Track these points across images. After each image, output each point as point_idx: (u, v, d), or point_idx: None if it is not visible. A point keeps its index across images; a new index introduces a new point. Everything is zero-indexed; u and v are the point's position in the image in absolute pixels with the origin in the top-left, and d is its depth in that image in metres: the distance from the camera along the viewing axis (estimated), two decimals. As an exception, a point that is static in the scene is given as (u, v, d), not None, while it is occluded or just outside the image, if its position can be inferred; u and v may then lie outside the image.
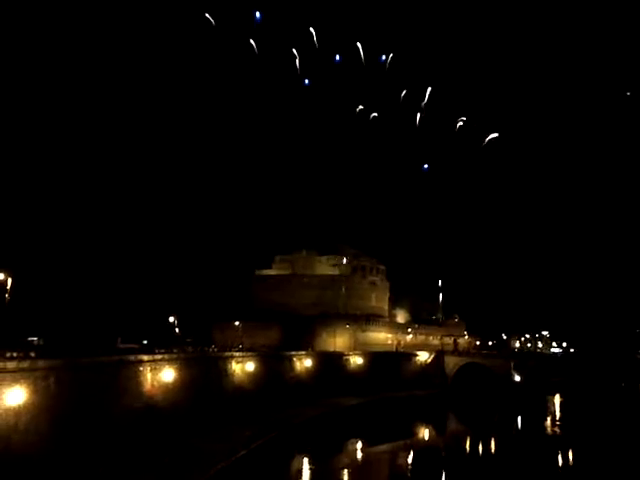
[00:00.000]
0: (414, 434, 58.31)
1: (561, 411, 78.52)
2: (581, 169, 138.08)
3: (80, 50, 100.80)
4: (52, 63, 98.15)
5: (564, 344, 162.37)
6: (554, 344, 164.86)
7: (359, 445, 48.81)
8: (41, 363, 31.17)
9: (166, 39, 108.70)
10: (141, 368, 40.86)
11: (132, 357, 41.24)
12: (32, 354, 33.73)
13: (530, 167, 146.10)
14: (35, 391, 29.75)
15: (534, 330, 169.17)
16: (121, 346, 54.46)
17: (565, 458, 46.93)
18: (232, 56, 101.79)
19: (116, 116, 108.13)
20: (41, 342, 50.74)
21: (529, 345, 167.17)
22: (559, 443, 52.92)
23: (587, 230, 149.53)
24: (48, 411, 30.36)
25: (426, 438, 58.11)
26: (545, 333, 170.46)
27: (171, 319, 71.89)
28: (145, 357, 42.38)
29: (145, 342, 65.95)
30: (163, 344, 58.60)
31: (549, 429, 62.56)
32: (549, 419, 69.42)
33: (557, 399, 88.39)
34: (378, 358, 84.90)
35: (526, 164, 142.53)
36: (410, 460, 46.05)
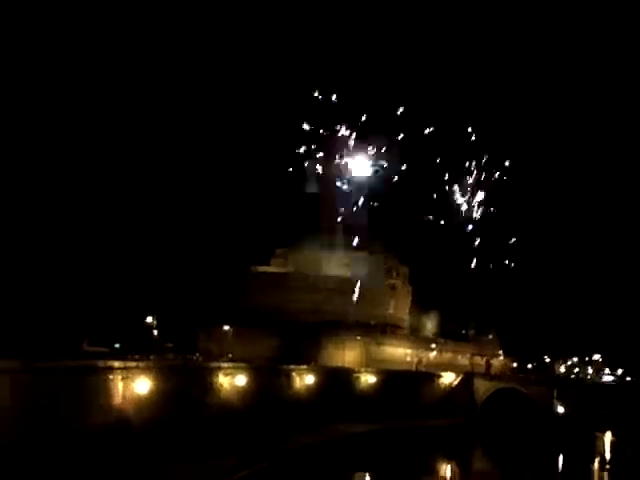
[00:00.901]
0: (433, 471, 58.40)
1: (612, 452, 78.24)
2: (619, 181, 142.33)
3: (78, 46, 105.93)
4: (50, 60, 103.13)
5: (619, 371, 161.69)
6: (607, 371, 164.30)
7: (367, 481, 48.97)
8: (-9, 365, 31.37)
9: (165, 37, 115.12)
10: (111, 376, 41.03)
11: (101, 363, 41.41)
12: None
13: (576, 174, 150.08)
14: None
15: (583, 353, 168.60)
16: (88, 349, 54.83)
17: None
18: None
19: (101, 107, 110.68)
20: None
21: (577, 371, 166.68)
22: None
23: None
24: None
25: (447, 477, 58.21)
26: (597, 357, 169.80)
27: (149, 320, 72.37)
28: (116, 363, 42.53)
29: (117, 345, 66.41)
30: (138, 349, 58.99)
31: (596, 474, 62.39)
32: (597, 461, 69.12)
33: (608, 437, 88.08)
34: (394, 378, 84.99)
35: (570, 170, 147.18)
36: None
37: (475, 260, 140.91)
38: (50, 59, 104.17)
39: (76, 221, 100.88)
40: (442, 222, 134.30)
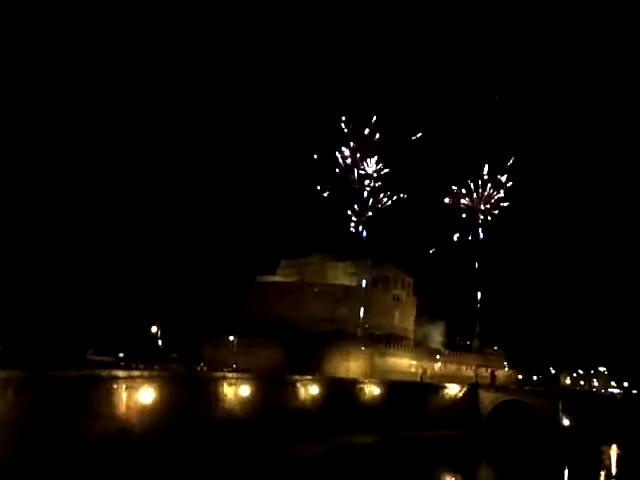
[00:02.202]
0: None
1: (618, 466, 77.44)
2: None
3: (78, 46, 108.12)
4: (51, 61, 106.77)
5: (625, 384, 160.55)
6: (613, 383, 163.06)
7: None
8: (-2, 374, 31.39)
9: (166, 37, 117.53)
10: (115, 386, 41.06)
11: (105, 372, 41.45)
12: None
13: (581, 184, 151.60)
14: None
15: (589, 365, 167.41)
16: (93, 358, 54.75)
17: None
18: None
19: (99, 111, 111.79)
20: (-1, 349, 51.13)
21: (582, 383, 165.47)
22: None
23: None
24: (1, 429, 30.53)
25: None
26: (602, 369, 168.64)
27: (154, 329, 72.11)
28: (120, 373, 42.59)
29: (121, 355, 66.29)
30: (143, 358, 58.83)
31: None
32: (603, 474, 68.54)
33: (614, 450, 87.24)
34: (399, 389, 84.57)
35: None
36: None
37: (481, 273, 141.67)
38: (51, 60, 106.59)
39: (83, 232, 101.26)
40: (447, 234, 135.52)
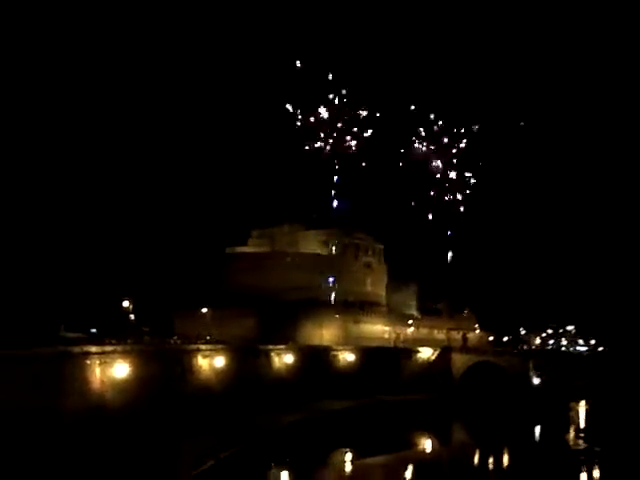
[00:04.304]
0: (413, 444, 59.09)
1: (587, 421, 79.91)
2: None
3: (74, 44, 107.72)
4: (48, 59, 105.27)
5: (592, 341, 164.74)
6: (581, 341, 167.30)
7: (348, 456, 49.40)
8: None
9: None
10: (88, 362, 40.83)
11: (78, 348, 41.15)
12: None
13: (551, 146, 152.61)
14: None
15: (558, 325, 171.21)
16: (65, 335, 54.29)
17: (590, 476, 47.85)
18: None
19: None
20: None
21: (551, 342, 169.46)
22: (583, 458, 53.89)
23: (620, 212, 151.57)
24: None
25: (428, 450, 58.96)
26: (570, 328, 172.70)
27: (125, 304, 71.52)
28: (93, 348, 42.33)
29: (94, 331, 65.79)
30: (115, 333, 58.49)
31: (572, 442, 63.67)
32: (572, 430, 70.62)
33: (582, 406, 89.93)
34: (373, 354, 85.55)
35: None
36: (409, 476, 46.73)
37: (450, 237, 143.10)
38: (45, 59, 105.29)
39: (51, 208, 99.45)
40: (417, 201, 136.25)
